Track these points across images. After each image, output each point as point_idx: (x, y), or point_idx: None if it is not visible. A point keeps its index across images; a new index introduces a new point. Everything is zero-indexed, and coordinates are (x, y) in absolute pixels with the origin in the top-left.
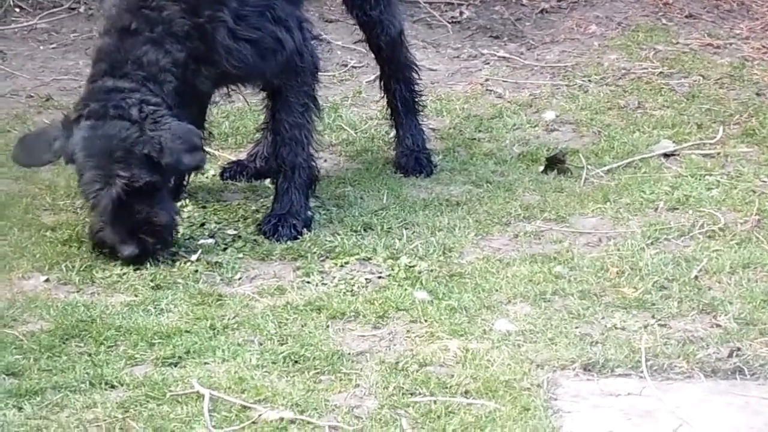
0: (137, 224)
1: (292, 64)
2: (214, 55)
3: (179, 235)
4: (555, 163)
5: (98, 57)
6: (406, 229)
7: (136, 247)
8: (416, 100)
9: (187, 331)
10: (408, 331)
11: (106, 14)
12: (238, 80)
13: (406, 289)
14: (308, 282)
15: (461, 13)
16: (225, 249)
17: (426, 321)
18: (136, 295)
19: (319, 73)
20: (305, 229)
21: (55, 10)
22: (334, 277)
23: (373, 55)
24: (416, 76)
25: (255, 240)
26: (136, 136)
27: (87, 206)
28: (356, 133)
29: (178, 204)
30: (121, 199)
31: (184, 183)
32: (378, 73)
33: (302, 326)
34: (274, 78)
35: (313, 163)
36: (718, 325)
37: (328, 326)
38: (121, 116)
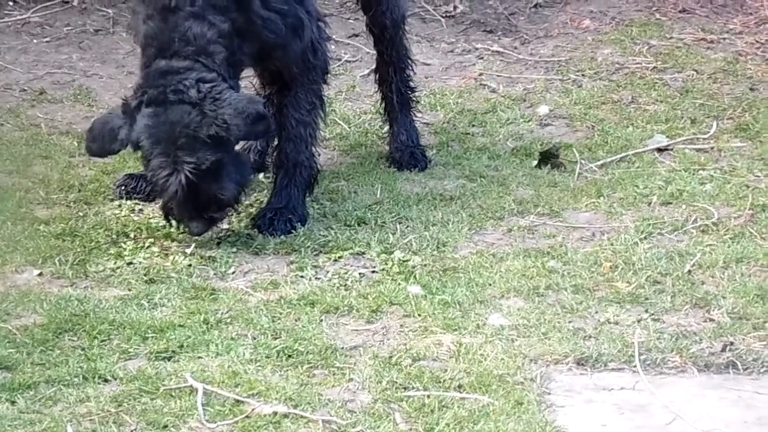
0: (205, 204)
1: (306, 58)
2: (252, 27)
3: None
4: (548, 157)
5: (146, 42)
6: (399, 223)
7: (205, 224)
8: (411, 95)
9: (180, 326)
10: (401, 325)
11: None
12: (271, 54)
13: (399, 284)
14: (302, 276)
15: (455, 7)
16: (218, 243)
17: (419, 315)
18: (129, 290)
19: (328, 76)
20: (299, 224)
21: (48, 3)
22: (328, 272)
23: (372, 42)
24: (412, 72)
25: (249, 234)
26: (199, 120)
27: (157, 191)
28: (350, 127)
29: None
30: (190, 184)
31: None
32: (372, 66)
33: (296, 320)
34: (296, 62)
35: (315, 163)
36: (712, 320)
37: (321, 320)
38: (181, 100)
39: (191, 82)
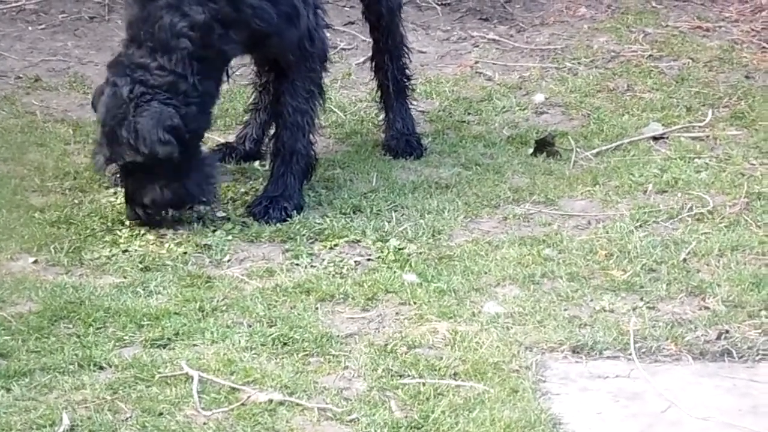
0: (129, 196)
1: (303, 46)
2: (240, 15)
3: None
4: (544, 145)
5: (126, 28)
6: (395, 211)
7: (135, 215)
8: (407, 83)
9: (176, 313)
10: (397, 313)
11: None
12: (264, 42)
13: (395, 272)
14: (297, 264)
15: None
16: (214, 231)
17: (415, 303)
18: (124, 277)
19: (327, 63)
20: (295, 212)
21: None
22: (323, 260)
23: (368, 30)
24: (408, 60)
25: (244, 222)
26: (121, 117)
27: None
28: (345, 115)
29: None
30: (104, 172)
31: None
32: (368, 54)
33: (291, 308)
34: (291, 50)
35: (312, 151)
36: (707, 308)
37: (317, 308)
38: (116, 93)
39: (127, 81)
